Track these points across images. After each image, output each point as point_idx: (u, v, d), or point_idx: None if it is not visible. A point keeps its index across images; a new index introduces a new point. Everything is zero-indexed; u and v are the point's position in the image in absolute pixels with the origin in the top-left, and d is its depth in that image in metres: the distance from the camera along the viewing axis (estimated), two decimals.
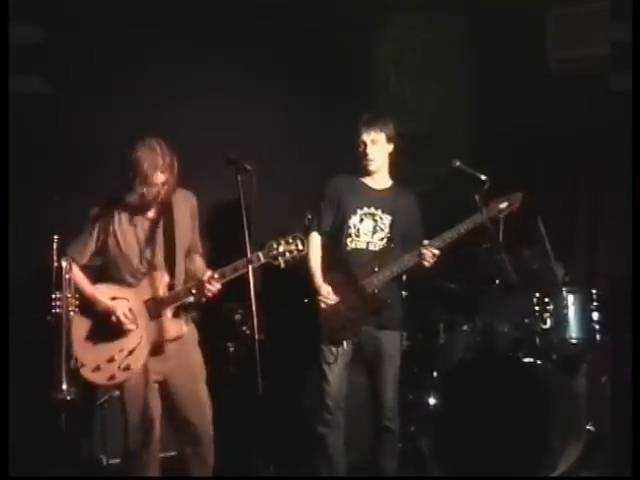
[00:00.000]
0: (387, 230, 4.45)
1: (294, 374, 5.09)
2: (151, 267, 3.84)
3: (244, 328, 5.18)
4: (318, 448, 4.38)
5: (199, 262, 3.97)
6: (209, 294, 3.75)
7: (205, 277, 3.74)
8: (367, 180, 4.51)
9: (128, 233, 3.84)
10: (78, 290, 3.86)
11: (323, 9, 5.96)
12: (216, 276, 3.71)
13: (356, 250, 4.41)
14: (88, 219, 3.88)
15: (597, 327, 5.18)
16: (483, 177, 4.43)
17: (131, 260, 3.83)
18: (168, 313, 3.85)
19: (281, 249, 3.74)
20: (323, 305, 4.32)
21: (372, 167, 4.46)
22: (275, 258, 3.76)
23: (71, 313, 4.96)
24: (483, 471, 4.63)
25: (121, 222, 3.84)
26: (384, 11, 6.09)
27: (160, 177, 3.76)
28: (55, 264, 4.92)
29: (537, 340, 5.16)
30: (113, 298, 3.80)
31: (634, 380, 4.02)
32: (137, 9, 5.58)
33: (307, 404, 4.91)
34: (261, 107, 5.90)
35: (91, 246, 3.89)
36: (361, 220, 4.44)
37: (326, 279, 4.39)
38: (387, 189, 4.54)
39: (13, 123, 4.25)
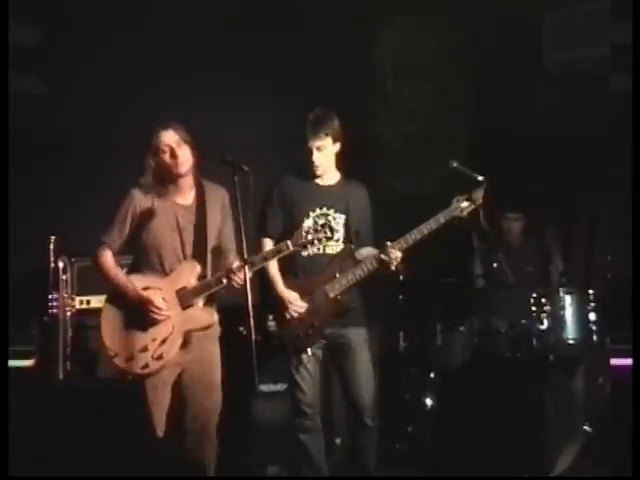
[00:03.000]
0: (342, 230, 4.34)
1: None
2: (184, 256, 3.83)
3: (241, 329, 5.18)
4: (300, 455, 4.30)
5: (233, 259, 3.87)
6: (240, 282, 3.72)
7: (234, 266, 3.73)
8: (316, 178, 4.37)
9: (163, 221, 3.82)
10: (111, 279, 3.82)
11: (322, 10, 5.97)
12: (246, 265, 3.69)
13: (314, 255, 4.27)
14: (122, 205, 3.83)
15: (594, 328, 5.18)
16: (480, 178, 4.41)
17: (163, 248, 3.82)
18: (199, 302, 3.85)
19: (310, 237, 3.74)
20: (294, 314, 4.23)
21: (319, 172, 4.33)
22: (304, 246, 3.77)
23: (68, 313, 5.04)
24: (482, 471, 4.64)
25: (154, 209, 3.81)
26: (382, 12, 6.09)
27: (180, 162, 3.78)
28: (52, 265, 4.97)
29: (534, 341, 5.16)
30: (145, 288, 3.79)
31: (634, 380, 4.02)
32: (135, 11, 5.60)
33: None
34: (259, 108, 5.92)
35: (125, 232, 3.83)
36: (315, 223, 4.19)
37: (287, 286, 4.28)
38: (336, 184, 4.40)
39: (12, 123, 4.25)
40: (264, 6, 5.96)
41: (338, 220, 4.34)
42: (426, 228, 4.26)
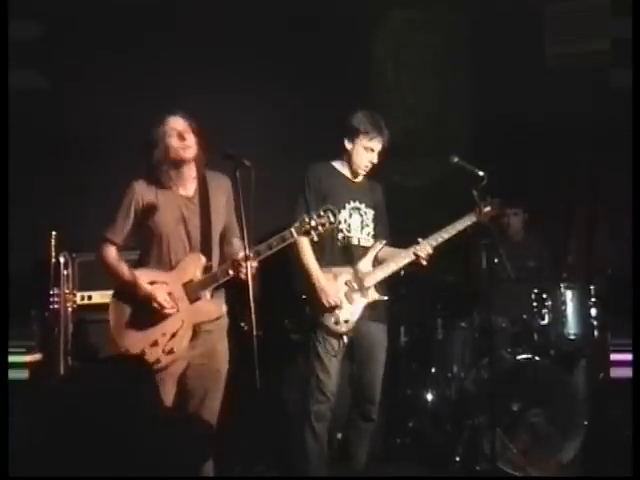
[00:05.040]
0: (372, 225, 4.49)
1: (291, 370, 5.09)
2: (190, 247, 3.82)
3: (242, 324, 5.18)
4: (309, 441, 4.33)
5: (237, 245, 3.89)
6: (245, 274, 3.69)
7: (240, 256, 3.73)
8: (347, 172, 4.50)
9: (165, 212, 3.80)
10: (116, 275, 3.81)
11: (322, 5, 5.96)
12: (251, 255, 3.68)
13: (349, 246, 4.41)
14: (124, 198, 3.81)
15: (595, 323, 5.19)
16: (481, 173, 4.43)
17: (169, 240, 3.80)
18: (207, 295, 3.84)
19: (313, 223, 3.72)
20: (334, 303, 4.31)
21: (366, 172, 4.48)
22: (308, 233, 3.75)
23: (69, 308, 5.04)
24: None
25: (158, 201, 3.80)
26: (382, 6, 6.08)
27: (187, 145, 3.77)
28: (53, 260, 4.97)
29: (535, 336, 5.17)
30: (152, 283, 3.77)
31: (634, 379, 4.02)
32: (136, 6, 5.60)
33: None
34: (260, 103, 5.91)
35: (128, 225, 3.81)
36: (350, 215, 4.44)
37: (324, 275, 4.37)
38: (362, 182, 4.55)
39: (13, 118, 4.25)
40: (264, 3, 5.96)
41: (369, 215, 4.49)
42: (454, 228, 4.48)
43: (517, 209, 5.96)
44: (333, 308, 4.31)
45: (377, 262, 4.45)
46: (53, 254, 4.98)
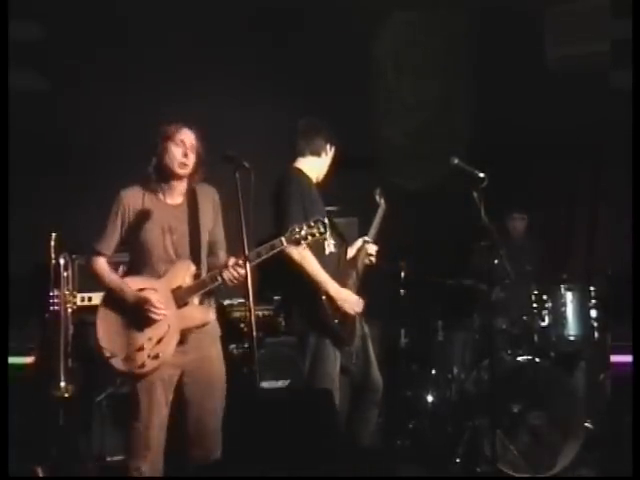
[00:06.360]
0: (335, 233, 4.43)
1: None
2: (176, 256, 3.83)
3: (242, 325, 5.19)
4: None
5: (224, 258, 3.89)
6: (234, 280, 3.74)
7: (230, 263, 3.73)
8: (314, 178, 4.46)
9: (153, 221, 3.80)
10: (108, 285, 3.82)
11: (322, 6, 5.97)
12: (240, 262, 3.69)
13: (332, 254, 4.34)
14: (112, 209, 3.81)
15: (595, 324, 5.19)
16: (481, 175, 4.43)
17: (155, 249, 3.80)
18: (195, 301, 3.84)
19: (303, 233, 3.71)
20: (356, 310, 4.28)
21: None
22: (298, 242, 3.74)
23: (69, 310, 5.03)
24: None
25: (144, 210, 3.80)
26: (382, 8, 6.09)
27: (186, 164, 3.78)
28: (53, 261, 4.96)
29: (535, 337, 5.17)
30: (141, 290, 3.78)
31: (634, 377, 4.02)
32: (137, 7, 5.60)
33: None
34: (260, 104, 5.91)
35: (116, 235, 3.81)
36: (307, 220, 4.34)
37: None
38: None
39: (13, 119, 4.25)
40: (263, 3, 5.96)
41: (339, 222, 4.48)
42: (374, 226, 4.55)
43: (523, 214, 5.99)
44: (347, 318, 4.25)
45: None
46: (53, 255, 4.97)
